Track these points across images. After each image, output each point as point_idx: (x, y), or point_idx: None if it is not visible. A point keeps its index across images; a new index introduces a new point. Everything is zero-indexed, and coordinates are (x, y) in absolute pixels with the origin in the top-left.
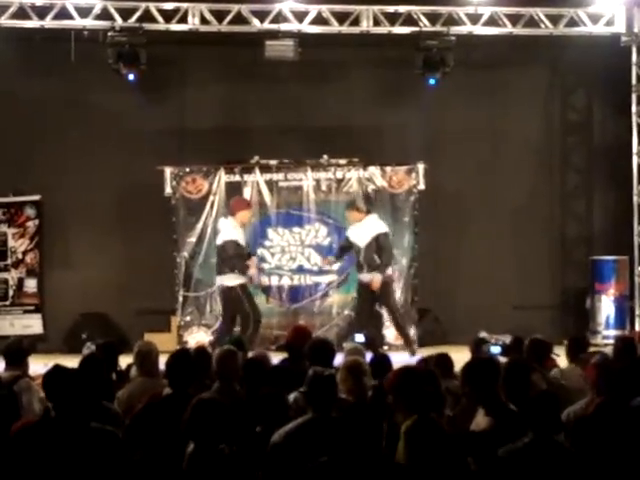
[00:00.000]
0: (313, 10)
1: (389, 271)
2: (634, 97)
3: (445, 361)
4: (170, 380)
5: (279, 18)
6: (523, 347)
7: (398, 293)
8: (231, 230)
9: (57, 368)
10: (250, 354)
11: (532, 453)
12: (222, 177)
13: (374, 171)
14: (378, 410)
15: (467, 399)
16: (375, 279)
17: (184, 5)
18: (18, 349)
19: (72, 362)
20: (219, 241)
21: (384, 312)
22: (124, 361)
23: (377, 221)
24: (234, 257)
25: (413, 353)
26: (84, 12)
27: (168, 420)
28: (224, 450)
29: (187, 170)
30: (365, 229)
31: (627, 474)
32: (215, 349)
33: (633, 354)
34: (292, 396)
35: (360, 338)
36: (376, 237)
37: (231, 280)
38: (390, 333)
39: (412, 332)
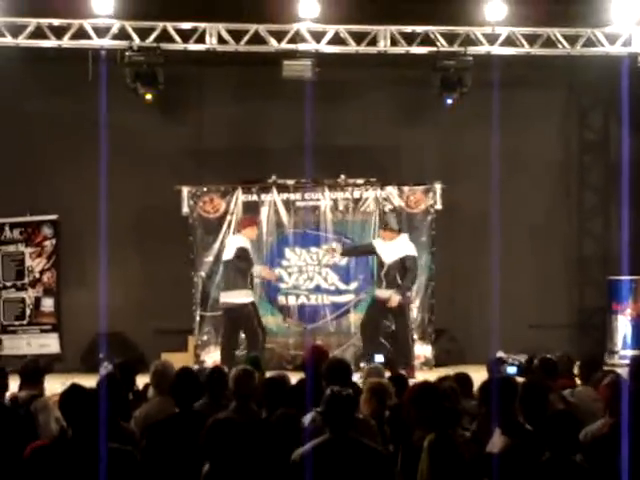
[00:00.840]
0: (331, 30)
1: (409, 293)
2: None
3: (464, 380)
4: (176, 398)
5: (297, 38)
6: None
7: (415, 312)
8: (241, 241)
9: (74, 388)
10: (268, 374)
11: (550, 473)
12: (239, 197)
13: (391, 191)
14: (396, 429)
15: (484, 419)
16: (393, 298)
17: (202, 25)
18: (35, 368)
19: (89, 382)
20: (228, 256)
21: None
22: (141, 381)
23: (408, 243)
24: (247, 266)
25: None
26: (102, 32)
27: (176, 438)
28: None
29: (204, 190)
30: (395, 247)
31: None
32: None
33: None
34: (309, 416)
35: (380, 358)
36: (404, 258)
37: (243, 297)
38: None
39: (428, 353)
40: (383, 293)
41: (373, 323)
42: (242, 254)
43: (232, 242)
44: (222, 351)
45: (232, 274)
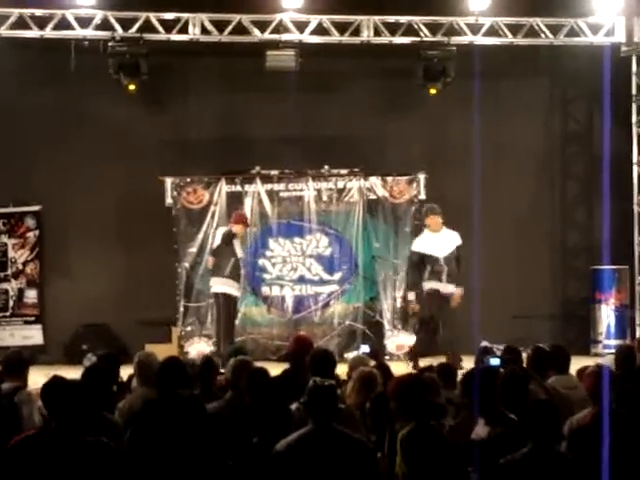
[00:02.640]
0: (314, 20)
1: None
2: (634, 107)
3: (447, 371)
4: (160, 388)
5: (280, 28)
6: (518, 356)
7: (399, 302)
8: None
9: (56, 379)
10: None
11: (532, 463)
12: (223, 187)
13: (375, 181)
14: (379, 419)
15: (466, 409)
16: (457, 292)
17: (185, 15)
18: (18, 360)
19: (72, 373)
20: (217, 243)
21: (385, 322)
22: (125, 372)
23: (454, 232)
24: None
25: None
26: (84, 22)
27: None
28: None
29: (188, 180)
30: (445, 238)
31: None
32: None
33: (632, 363)
34: (293, 407)
35: (365, 349)
36: (457, 248)
37: (229, 286)
38: (391, 343)
39: (412, 343)
40: (447, 288)
41: (433, 318)
42: (227, 238)
43: (220, 231)
44: (225, 339)
45: (221, 260)
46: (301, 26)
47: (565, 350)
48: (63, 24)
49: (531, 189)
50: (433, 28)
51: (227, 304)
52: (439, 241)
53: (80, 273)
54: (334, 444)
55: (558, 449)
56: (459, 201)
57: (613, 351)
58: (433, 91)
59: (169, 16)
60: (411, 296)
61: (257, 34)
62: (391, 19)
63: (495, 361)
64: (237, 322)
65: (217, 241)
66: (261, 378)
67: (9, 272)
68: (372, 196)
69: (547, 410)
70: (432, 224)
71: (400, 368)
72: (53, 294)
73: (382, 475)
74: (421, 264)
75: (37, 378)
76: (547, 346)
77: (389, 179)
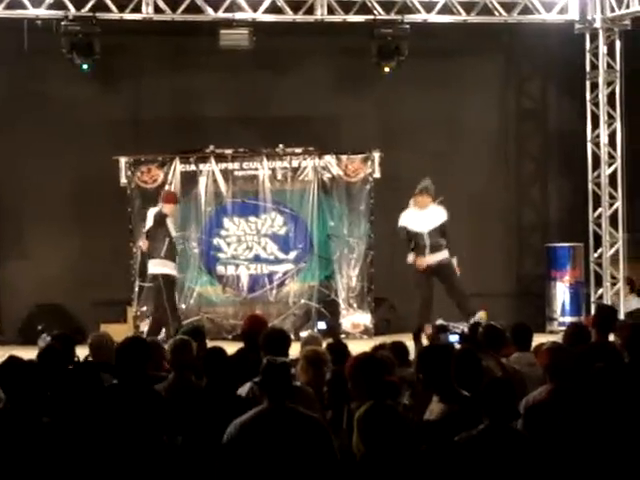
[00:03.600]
0: None
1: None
2: (588, 84)
3: (400, 349)
4: (117, 369)
5: (233, 7)
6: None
7: (354, 281)
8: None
9: (11, 360)
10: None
11: (487, 440)
12: (177, 167)
13: (330, 160)
14: (336, 396)
15: (421, 387)
16: (444, 255)
17: None
18: None
19: (27, 354)
20: (149, 225)
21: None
22: (81, 352)
23: (441, 209)
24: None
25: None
26: (37, 1)
27: (115, 410)
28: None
29: (142, 160)
30: (429, 215)
31: (582, 460)
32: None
33: (586, 340)
34: (247, 386)
35: (322, 325)
36: (443, 224)
37: (167, 267)
38: (347, 322)
39: (367, 321)
40: (431, 258)
41: (431, 291)
42: (160, 219)
43: (151, 212)
44: (174, 319)
45: (156, 242)
46: (255, 4)
47: (527, 327)
48: (15, 3)
49: (486, 167)
50: (387, 6)
51: (168, 284)
52: (423, 217)
53: (35, 253)
54: (288, 423)
55: (514, 426)
56: (414, 179)
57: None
58: (387, 69)
59: None
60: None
61: (210, 13)
62: None
63: (453, 338)
64: (192, 302)
65: (149, 223)
66: (218, 357)
67: None
68: (327, 175)
69: (503, 387)
70: (420, 202)
71: (357, 346)
72: (7, 275)
73: (337, 453)
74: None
75: None
76: (500, 323)
77: (344, 158)
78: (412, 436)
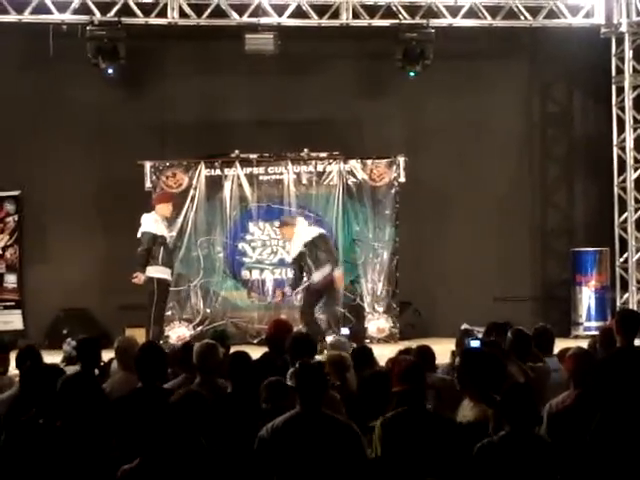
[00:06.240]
0: (293, 3)
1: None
2: (614, 88)
3: (426, 353)
4: (140, 373)
5: (258, 11)
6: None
7: (379, 286)
8: (150, 224)
9: (36, 365)
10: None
11: (509, 446)
12: (202, 171)
13: (355, 164)
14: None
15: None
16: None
17: None
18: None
19: (53, 358)
20: (139, 234)
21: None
22: (107, 357)
23: (307, 228)
24: (150, 249)
25: None
26: (62, 6)
27: (138, 414)
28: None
29: (167, 164)
30: (297, 240)
31: (605, 467)
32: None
33: (612, 345)
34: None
35: (345, 331)
36: (310, 242)
37: (163, 273)
38: (372, 326)
39: (392, 326)
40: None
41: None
42: (150, 244)
43: (143, 222)
44: (156, 324)
45: (153, 249)
46: (280, 9)
47: (549, 330)
48: (41, 8)
49: (511, 171)
50: (412, 10)
51: (161, 289)
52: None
53: (60, 258)
54: (321, 428)
55: (537, 433)
56: (438, 184)
57: (594, 333)
58: (412, 73)
59: (147, 0)
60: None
61: (235, 17)
62: (370, 1)
63: (475, 343)
64: (217, 306)
65: (143, 228)
66: (242, 362)
67: None
68: (352, 179)
69: (524, 393)
70: (284, 235)
71: (381, 350)
72: (33, 279)
73: (369, 460)
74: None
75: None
76: (528, 329)
77: (369, 162)
78: (443, 442)
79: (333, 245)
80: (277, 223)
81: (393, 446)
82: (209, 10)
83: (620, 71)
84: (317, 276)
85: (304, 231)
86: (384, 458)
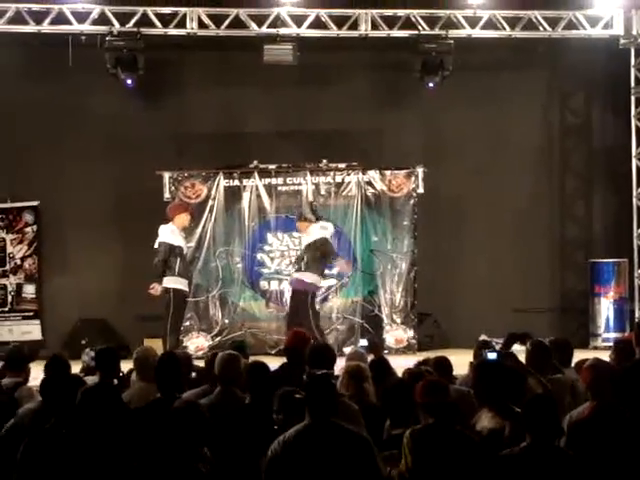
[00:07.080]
0: (311, 14)
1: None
2: (633, 99)
3: (443, 365)
4: (159, 384)
5: (277, 22)
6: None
7: (398, 297)
8: (167, 234)
9: (55, 375)
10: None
11: (530, 458)
12: (221, 182)
13: (373, 175)
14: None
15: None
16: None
17: (182, 9)
18: (19, 355)
19: (72, 369)
20: (155, 245)
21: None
22: (126, 367)
23: (318, 230)
24: (166, 260)
25: None
26: (81, 17)
27: (157, 424)
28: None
29: (186, 175)
30: (305, 239)
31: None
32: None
33: (631, 356)
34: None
35: (364, 342)
36: (311, 243)
37: (180, 284)
38: (390, 337)
39: (411, 337)
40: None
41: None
42: (166, 255)
43: (161, 233)
44: (172, 334)
45: (170, 260)
46: (299, 20)
47: (567, 341)
48: (60, 19)
49: (530, 182)
50: (431, 21)
51: (177, 299)
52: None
53: (78, 268)
54: (331, 439)
55: (558, 444)
56: (457, 195)
57: (612, 344)
58: (431, 84)
59: (166, 10)
60: None
61: (254, 28)
62: (389, 12)
63: (492, 355)
64: (235, 317)
65: (160, 239)
66: (261, 372)
67: (7, 267)
68: (370, 190)
69: (545, 404)
70: (299, 228)
71: (400, 362)
72: (51, 289)
73: (382, 469)
74: None
75: (38, 373)
76: (547, 340)
77: (387, 173)
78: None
79: (336, 256)
80: (296, 233)
81: (423, 458)
82: (228, 21)
83: (639, 82)
84: (296, 276)
85: (314, 232)
86: (416, 470)
